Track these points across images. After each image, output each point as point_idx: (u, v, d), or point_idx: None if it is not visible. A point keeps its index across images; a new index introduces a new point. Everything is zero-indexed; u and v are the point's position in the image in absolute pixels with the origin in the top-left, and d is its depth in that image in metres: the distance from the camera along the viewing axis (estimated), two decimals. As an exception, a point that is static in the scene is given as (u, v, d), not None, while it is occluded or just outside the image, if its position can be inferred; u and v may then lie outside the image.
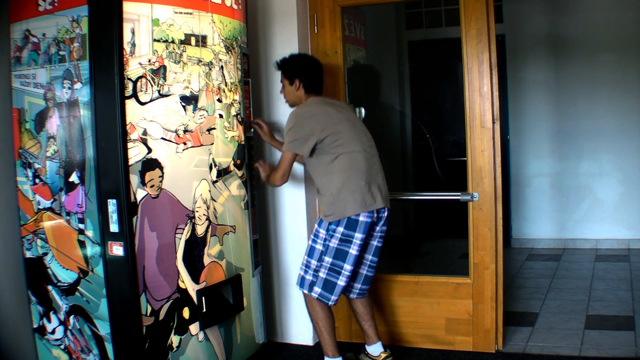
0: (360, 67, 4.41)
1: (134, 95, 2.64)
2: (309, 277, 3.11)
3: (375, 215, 3.03)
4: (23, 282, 3.02)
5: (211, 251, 2.97)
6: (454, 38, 3.62)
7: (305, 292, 3.12)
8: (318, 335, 3.18)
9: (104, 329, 2.73)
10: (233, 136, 3.13)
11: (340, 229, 2.99)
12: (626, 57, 5.60)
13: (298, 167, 3.57)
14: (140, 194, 2.67)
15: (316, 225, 3.14)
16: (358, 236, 2.98)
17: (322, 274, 3.04)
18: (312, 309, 3.13)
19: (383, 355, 3.24)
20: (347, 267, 3.01)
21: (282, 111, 3.66)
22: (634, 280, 4.66)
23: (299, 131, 3.00)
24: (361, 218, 2.97)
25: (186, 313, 2.84)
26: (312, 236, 3.15)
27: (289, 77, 3.17)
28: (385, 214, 3.09)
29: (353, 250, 2.99)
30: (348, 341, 3.73)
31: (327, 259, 3.03)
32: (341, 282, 3.03)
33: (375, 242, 3.13)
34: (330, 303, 3.07)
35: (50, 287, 2.89)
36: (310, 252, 3.13)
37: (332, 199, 3.00)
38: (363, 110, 3.69)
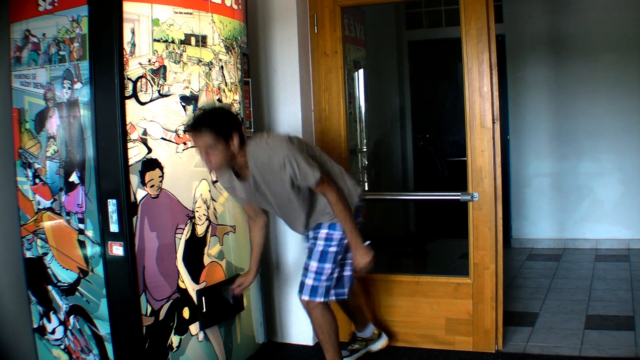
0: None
1: (134, 95, 2.64)
2: (323, 284, 2.92)
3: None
4: (23, 282, 3.02)
5: (211, 251, 2.97)
6: (454, 38, 3.62)
7: (307, 299, 2.94)
8: (326, 345, 3.00)
9: (104, 329, 2.73)
10: (233, 136, 3.12)
11: (338, 234, 2.95)
12: (626, 57, 5.59)
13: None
14: (140, 194, 2.67)
15: (325, 230, 2.96)
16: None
17: (336, 274, 3.02)
18: (319, 322, 2.97)
19: (376, 332, 3.42)
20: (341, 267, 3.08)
21: (282, 111, 3.66)
22: (634, 280, 4.66)
23: (301, 153, 2.71)
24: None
25: (186, 313, 2.84)
26: (320, 242, 2.96)
27: (224, 134, 2.58)
28: (360, 202, 3.11)
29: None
30: (348, 341, 3.72)
31: (328, 266, 2.95)
32: (347, 272, 3.12)
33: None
34: (345, 297, 3.15)
35: (50, 287, 2.89)
36: (322, 257, 2.93)
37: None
38: None
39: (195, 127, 2.58)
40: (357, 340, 3.43)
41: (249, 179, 2.75)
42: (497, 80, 3.33)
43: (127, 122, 2.62)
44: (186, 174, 2.85)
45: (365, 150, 4.87)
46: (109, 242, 2.65)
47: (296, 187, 2.75)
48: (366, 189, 4.83)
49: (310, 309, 2.96)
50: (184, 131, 2.76)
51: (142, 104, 2.67)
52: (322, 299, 2.95)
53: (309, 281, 2.94)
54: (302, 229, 3.00)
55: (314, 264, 2.95)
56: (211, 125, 2.57)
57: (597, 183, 5.82)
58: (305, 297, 2.94)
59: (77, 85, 2.70)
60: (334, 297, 3.06)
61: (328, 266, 2.95)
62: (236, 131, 2.63)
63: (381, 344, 3.45)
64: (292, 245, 3.69)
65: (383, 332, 3.49)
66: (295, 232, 3.11)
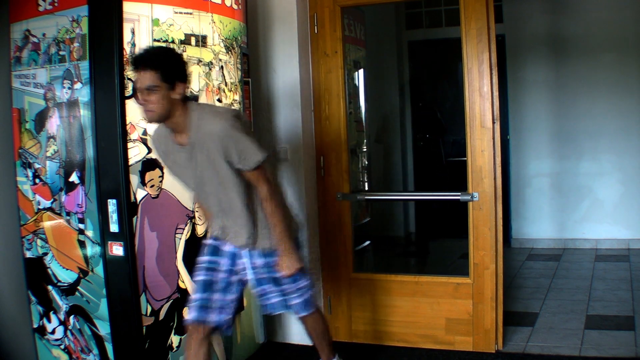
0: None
1: (134, 95, 2.64)
2: (309, 294, 2.75)
3: None
4: (23, 282, 3.02)
5: (211, 251, 2.97)
6: (454, 38, 3.62)
7: (304, 314, 2.77)
8: (321, 347, 2.93)
9: (104, 329, 2.73)
10: (233, 136, 3.12)
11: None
12: (626, 57, 5.59)
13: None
14: (140, 194, 2.67)
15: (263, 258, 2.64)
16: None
17: (307, 286, 2.74)
18: (319, 325, 2.85)
19: None
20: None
21: (282, 111, 3.66)
22: (634, 280, 4.66)
23: (249, 135, 2.47)
24: None
25: (186, 313, 2.84)
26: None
27: (167, 79, 2.33)
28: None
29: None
30: (348, 341, 3.73)
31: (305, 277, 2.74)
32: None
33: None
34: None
35: (50, 287, 2.89)
36: (300, 274, 2.66)
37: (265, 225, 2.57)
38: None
39: (138, 63, 2.33)
40: None
41: (187, 145, 2.44)
42: (497, 80, 3.33)
43: (127, 122, 2.62)
44: (186, 174, 2.85)
45: (365, 150, 4.87)
46: (109, 242, 2.65)
47: (233, 172, 2.45)
48: (366, 188, 4.83)
49: (304, 321, 2.83)
50: (130, 65, 2.47)
51: (142, 104, 2.67)
52: (304, 312, 2.77)
53: (298, 299, 2.71)
54: (244, 239, 2.57)
55: (297, 282, 2.68)
56: (156, 65, 2.31)
57: (597, 183, 5.82)
58: (304, 313, 2.78)
59: (77, 85, 2.70)
60: (313, 309, 2.79)
61: (305, 279, 2.73)
62: (181, 82, 2.38)
63: None
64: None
65: None
66: (227, 241, 2.61)
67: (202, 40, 2.91)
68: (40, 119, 2.84)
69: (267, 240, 2.59)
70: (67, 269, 2.82)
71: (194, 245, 2.87)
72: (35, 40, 2.82)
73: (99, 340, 2.76)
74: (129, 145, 2.63)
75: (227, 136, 2.37)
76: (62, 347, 2.92)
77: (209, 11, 2.95)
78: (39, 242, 2.91)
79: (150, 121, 2.43)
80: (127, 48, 2.62)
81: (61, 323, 2.90)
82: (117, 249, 2.64)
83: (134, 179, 2.65)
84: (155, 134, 2.58)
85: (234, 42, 3.13)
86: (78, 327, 2.83)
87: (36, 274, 2.94)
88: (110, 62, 2.59)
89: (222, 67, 3.03)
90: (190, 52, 2.84)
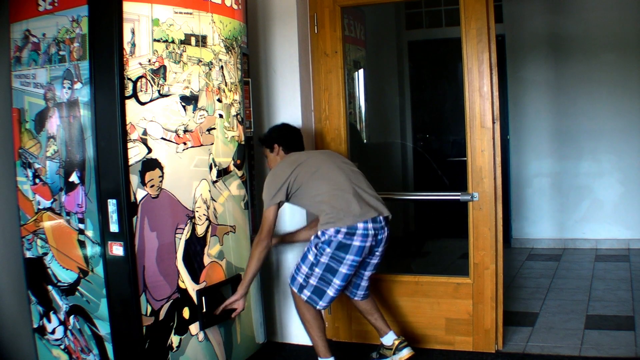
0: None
1: (134, 95, 2.64)
2: (299, 279, 3.11)
3: (373, 233, 3.01)
4: (23, 282, 3.02)
5: (211, 251, 2.97)
6: (454, 38, 3.62)
7: (295, 290, 3.12)
8: (308, 335, 3.17)
9: (104, 329, 2.73)
10: (233, 136, 3.13)
11: (329, 250, 3.00)
12: (626, 57, 5.60)
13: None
14: (140, 194, 2.67)
15: (312, 237, 3.14)
16: (350, 258, 3.00)
17: (313, 281, 3.06)
18: (299, 308, 3.14)
19: (396, 342, 3.26)
20: (337, 282, 3.04)
21: (282, 111, 3.66)
22: (634, 280, 4.66)
23: (274, 185, 3.07)
24: (355, 242, 2.98)
25: (186, 313, 2.84)
26: (307, 244, 3.16)
27: (269, 146, 3.30)
28: (385, 234, 3.09)
29: (344, 269, 3.02)
30: (348, 341, 3.73)
31: (317, 270, 3.04)
32: (331, 292, 3.05)
33: (374, 260, 3.16)
34: (318, 307, 3.09)
35: (50, 287, 2.89)
36: (303, 258, 3.12)
37: (327, 224, 3.02)
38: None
39: (259, 141, 3.38)
40: (382, 347, 3.35)
41: None
42: (497, 80, 3.33)
43: (127, 122, 2.62)
44: (186, 174, 2.85)
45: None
46: (109, 242, 2.65)
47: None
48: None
49: (293, 294, 3.14)
50: None
51: (142, 104, 2.67)
52: (296, 290, 3.10)
53: (292, 271, 3.17)
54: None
55: (298, 260, 3.17)
56: (262, 141, 3.35)
57: (597, 183, 5.82)
58: (289, 282, 3.19)
59: (77, 85, 2.70)
60: (305, 297, 3.08)
61: (304, 268, 3.09)
62: (278, 144, 3.30)
63: (400, 356, 3.23)
64: (292, 246, 3.69)
65: (407, 344, 3.27)
66: None
67: (202, 40, 2.91)
68: (40, 119, 2.84)
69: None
70: (67, 269, 2.82)
71: (194, 245, 2.88)
72: (35, 40, 2.82)
73: (99, 340, 2.76)
74: (129, 145, 2.63)
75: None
76: (62, 347, 2.92)
77: (209, 11, 2.95)
78: (39, 242, 2.91)
79: None
80: (127, 48, 2.62)
81: (61, 323, 2.90)
82: (117, 249, 2.64)
83: (134, 179, 2.65)
84: None
85: (234, 42, 3.13)
86: (78, 327, 2.83)
87: (36, 274, 2.94)
88: (110, 62, 2.59)
89: (222, 67, 3.03)
90: (190, 52, 2.84)
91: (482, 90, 3.33)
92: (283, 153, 3.27)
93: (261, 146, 3.34)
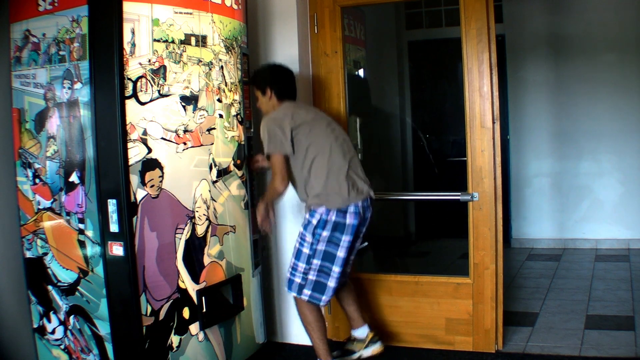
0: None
1: (134, 95, 2.64)
2: (297, 280, 3.09)
3: (362, 212, 3.04)
4: (23, 282, 3.02)
5: (211, 251, 2.97)
6: (454, 38, 3.62)
7: (295, 294, 3.11)
8: (309, 337, 3.18)
9: (104, 329, 2.73)
10: (233, 136, 3.13)
11: (326, 234, 3.01)
12: (626, 57, 5.59)
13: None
14: (140, 194, 2.67)
15: (301, 229, 3.12)
16: (345, 239, 3.02)
17: (312, 276, 3.06)
18: (301, 312, 3.13)
19: (370, 336, 3.29)
20: (336, 269, 3.04)
21: (282, 111, 3.66)
22: (634, 280, 4.66)
23: (277, 131, 2.99)
24: (348, 221, 3.00)
25: (186, 313, 2.84)
26: (298, 239, 3.14)
27: (260, 87, 3.15)
28: (370, 213, 3.12)
29: (341, 253, 3.03)
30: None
31: (316, 262, 3.05)
32: (331, 283, 3.06)
33: (357, 244, 3.19)
34: (321, 304, 3.09)
35: (50, 287, 2.89)
36: (297, 254, 3.11)
37: (316, 200, 3.04)
38: (358, 120, 3.70)
39: (249, 80, 3.24)
40: (351, 340, 3.40)
41: None
42: (497, 80, 3.33)
43: (127, 122, 2.62)
44: (186, 174, 2.85)
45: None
46: (109, 242, 2.65)
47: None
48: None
49: (295, 298, 3.13)
50: None
51: (142, 104, 2.67)
52: (295, 293, 3.09)
53: (288, 274, 3.15)
54: (300, 196, 3.17)
55: (292, 259, 3.14)
56: (252, 80, 3.22)
57: (597, 183, 5.82)
58: (286, 289, 3.15)
59: (77, 85, 2.70)
60: (306, 297, 3.07)
61: (301, 265, 3.09)
62: (270, 88, 3.15)
63: (372, 349, 3.32)
64: (291, 246, 3.69)
65: (379, 338, 3.35)
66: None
67: (202, 40, 2.91)
68: (40, 119, 2.84)
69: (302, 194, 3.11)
70: (67, 269, 2.82)
71: (194, 245, 2.88)
72: (35, 40, 2.82)
73: (99, 340, 2.76)
74: (129, 145, 2.63)
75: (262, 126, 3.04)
76: (62, 347, 2.92)
77: (209, 11, 2.95)
78: (39, 242, 2.91)
79: None
80: (127, 48, 2.62)
81: (61, 323, 2.90)
82: (117, 249, 2.64)
83: (134, 179, 2.65)
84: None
85: (234, 42, 3.13)
86: (78, 327, 2.83)
87: (36, 274, 2.94)
88: (110, 62, 2.59)
89: (222, 67, 3.03)
90: (190, 52, 2.84)
91: (482, 90, 3.33)
92: (275, 99, 3.13)
93: (250, 84, 3.19)
